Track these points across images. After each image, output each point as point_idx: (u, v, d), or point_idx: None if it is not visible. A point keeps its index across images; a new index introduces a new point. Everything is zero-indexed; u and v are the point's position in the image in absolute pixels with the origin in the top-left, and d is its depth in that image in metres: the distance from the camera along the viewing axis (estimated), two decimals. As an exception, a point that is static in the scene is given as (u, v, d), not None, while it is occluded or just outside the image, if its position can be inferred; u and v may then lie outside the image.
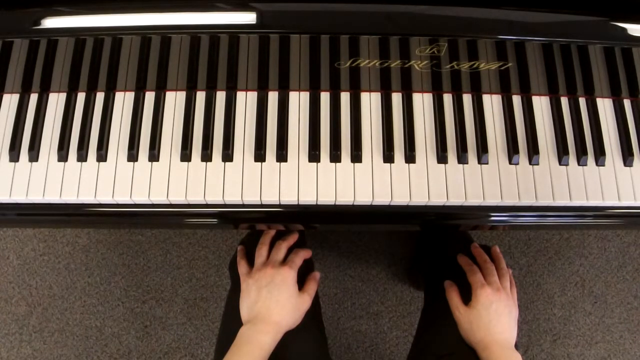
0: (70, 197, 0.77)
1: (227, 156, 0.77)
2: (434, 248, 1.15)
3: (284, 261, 0.88)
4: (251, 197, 0.76)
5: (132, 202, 0.77)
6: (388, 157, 0.77)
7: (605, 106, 0.82)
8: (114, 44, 0.76)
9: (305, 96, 0.81)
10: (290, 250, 0.91)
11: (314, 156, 0.77)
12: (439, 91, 0.81)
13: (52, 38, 0.74)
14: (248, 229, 0.95)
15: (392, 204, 0.77)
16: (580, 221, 0.81)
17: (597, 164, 0.79)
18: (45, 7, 0.71)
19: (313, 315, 0.89)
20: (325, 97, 0.80)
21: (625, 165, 0.80)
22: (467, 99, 0.81)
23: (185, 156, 0.77)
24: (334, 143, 0.78)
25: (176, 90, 0.81)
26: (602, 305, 1.49)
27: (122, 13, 0.71)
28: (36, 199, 0.77)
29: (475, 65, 0.77)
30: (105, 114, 0.80)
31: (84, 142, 0.78)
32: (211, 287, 1.49)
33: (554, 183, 0.78)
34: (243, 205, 0.78)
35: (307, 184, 0.76)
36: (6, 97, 0.82)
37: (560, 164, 0.79)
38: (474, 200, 0.77)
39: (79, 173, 0.77)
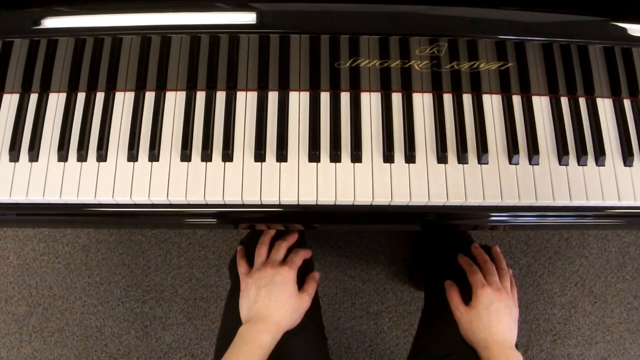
0: (70, 197, 0.77)
1: (227, 156, 0.77)
2: (434, 248, 1.14)
3: (284, 261, 0.88)
4: (251, 197, 0.76)
5: (132, 202, 0.77)
6: (388, 157, 0.77)
7: (605, 106, 0.82)
8: (114, 44, 0.76)
9: (305, 96, 0.81)
10: (290, 250, 0.91)
11: (314, 156, 0.77)
12: (439, 91, 0.81)
13: (52, 38, 0.74)
14: (248, 229, 0.95)
15: (392, 204, 0.77)
16: (580, 221, 0.81)
17: (597, 164, 0.79)
18: (45, 7, 0.71)
19: (313, 315, 0.89)
20: (325, 97, 0.80)
21: (625, 165, 0.80)
22: (467, 99, 0.81)
23: (185, 156, 0.77)
24: (334, 143, 0.78)
25: (176, 90, 0.81)
26: (602, 305, 1.49)
27: (122, 13, 0.71)
28: (36, 199, 0.77)
29: (475, 65, 0.77)
30: (105, 114, 0.80)
31: (84, 142, 0.78)
32: (211, 287, 1.49)
33: (554, 183, 0.78)
34: (243, 205, 0.78)
35: (307, 184, 0.76)
36: (6, 97, 0.82)
37: (560, 164, 0.79)
38: (474, 200, 0.77)
39: (79, 173, 0.77)
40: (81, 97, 0.81)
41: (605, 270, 1.52)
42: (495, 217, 0.80)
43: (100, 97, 0.81)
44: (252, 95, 0.81)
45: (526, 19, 0.72)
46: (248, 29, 0.73)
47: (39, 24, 0.71)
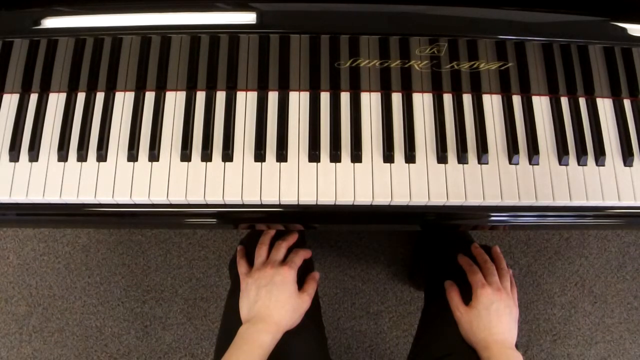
0: (70, 197, 0.77)
1: (227, 156, 0.77)
2: (434, 248, 1.14)
3: (284, 261, 0.88)
4: (251, 197, 0.76)
5: (132, 202, 0.77)
6: (388, 157, 0.77)
7: (605, 106, 0.82)
8: (114, 44, 0.76)
9: (305, 96, 0.81)
10: (290, 250, 0.91)
11: (314, 156, 0.77)
12: (439, 91, 0.81)
13: (52, 38, 0.74)
14: (248, 229, 0.95)
15: (392, 204, 0.77)
16: (580, 221, 0.81)
17: (597, 164, 0.79)
18: (45, 7, 0.71)
19: (313, 315, 0.89)
20: (325, 97, 0.80)
21: (625, 165, 0.80)
22: (467, 99, 0.81)
23: (185, 156, 0.77)
24: (334, 143, 0.78)
25: (176, 90, 0.81)
26: (602, 305, 1.49)
27: (122, 13, 0.71)
28: (36, 199, 0.77)
29: (475, 65, 0.77)
30: (105, 114, 0.80)
31: (84, 142, 0.78)
32: (211, 287, 1.49)
33: (554, 183, 0.78)
34: (243, 205, 0.78)
35: (307, 184, 0.76)
36: (6, 97, 0.82)
37: (560, 164, 0.79)
38: (474, 200, 0.77)
39: (79, 173, 0.77)
40: (81, 97, 0.81)
41: (605, 270, 1.52)
42: (495, 217, 0.80)
43: (100, 97, 0.81)
44: (252, 95, 0.81)
45: (526, 19, 0.72)
46: (248, 29, 0.72)
47: (39, 24, 0.71)
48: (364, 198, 0.76)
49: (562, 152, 0.79)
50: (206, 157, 0.77)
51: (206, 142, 0.78)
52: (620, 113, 0.82)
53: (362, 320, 1.46)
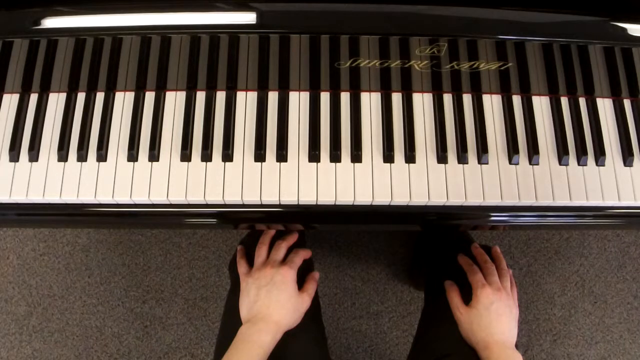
0: (70, 197, 0.77)
1: (227, 156, 0.77)
2: (434, 248, 1.15)
3: (284, 261, 0.88)
4: (251, 197, 0.76)
5: (132, 202, 0.77)
6: (388, 157, 0.77)
7: (605, 106, 0.82)
8: (114, 44, 0.76)
9: (305, 96, 0.81)
10: (290, 250, 0.91)
11: (314, 156, 0.77)
12: (439, 91, 0.81)
13: (52, 38, 0.74)
14: (248, 229, 0.95)
15: (392, 204, 0.77)
16: (580, 221, 0.81)
17: (597, 164, 0.79)
18: (45, 7, 0.71)
19: (313, 315, 0.89)
20: (325, 97, 0.80)
21: (625, 165, 0.80)
22: (467, 99, 0.81)
23: (185, 156, 0.77)
24: (334, 143, 0.78)
25: (176, 90, 0.81)
26: (602, 305, 1.49)
27: (122, 13, 0.71)
28: (36, 199, 0.77)
29: (475, 65, 0.77)
30: (105, 114, 0.80)
31: (84, 142, 0.78)
32: (211, 287, 1.49)
33: (554, 183, 0.78)
34: (243, 205, 0.78)
35: (307, 184, 0.76)
36: (6, 97, 0.82)
37: (560, 164, 0.79)
38: (474, 200, 0.77)
39: (79, 173, 0.77)
40: (81, 97, 0.81)
41: (605, 270, 1.52)
42: (495, 217, 0.80)
43: (100, 97, 0.81)
44: (252, 95, 0.81)
45: (526, 19, 0.72)
46: (248, 29, 0.73)
47: (39, 24, 0.71)
48: (364, 198, 0.76)
49: (562, 152, 0.79)
50: (206, 157, 0.77)
51: (206, 142, 0.78)
52: (620, 113, 0.82)
53: (362, 320, 1.46)
